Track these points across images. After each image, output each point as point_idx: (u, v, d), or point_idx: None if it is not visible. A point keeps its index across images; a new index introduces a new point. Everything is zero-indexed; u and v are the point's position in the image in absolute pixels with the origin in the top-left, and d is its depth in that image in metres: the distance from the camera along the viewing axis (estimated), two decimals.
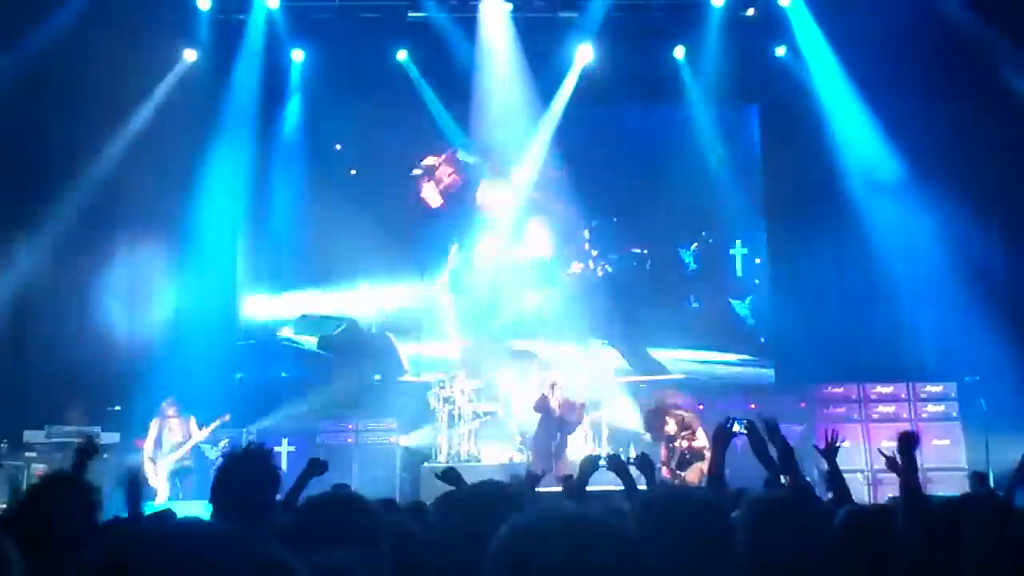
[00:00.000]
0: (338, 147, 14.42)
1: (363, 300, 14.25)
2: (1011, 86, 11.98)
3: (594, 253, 14.86)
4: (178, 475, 10.99)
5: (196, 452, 11.30)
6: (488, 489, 2.96)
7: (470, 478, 3.87)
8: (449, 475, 5.10)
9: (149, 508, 6.18)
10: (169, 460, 10.95)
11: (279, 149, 14.13)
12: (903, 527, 3.57)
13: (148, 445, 11.01)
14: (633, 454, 11.13)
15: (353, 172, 14.43)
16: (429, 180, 14.62)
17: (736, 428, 4.40)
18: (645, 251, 14.75)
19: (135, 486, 4.75)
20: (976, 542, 2.96)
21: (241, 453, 3.50)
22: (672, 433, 9.97)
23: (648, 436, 10.47)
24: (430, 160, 14.59)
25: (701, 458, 9.72)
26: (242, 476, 3.32)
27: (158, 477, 10.84)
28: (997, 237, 12.38)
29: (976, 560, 2.95)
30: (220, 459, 3.54)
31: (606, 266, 14.76)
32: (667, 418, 10.07)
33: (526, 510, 1.52)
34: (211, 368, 12.69)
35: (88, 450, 4.66)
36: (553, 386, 11.13)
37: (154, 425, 11.09)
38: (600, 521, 1.45)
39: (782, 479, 4.49)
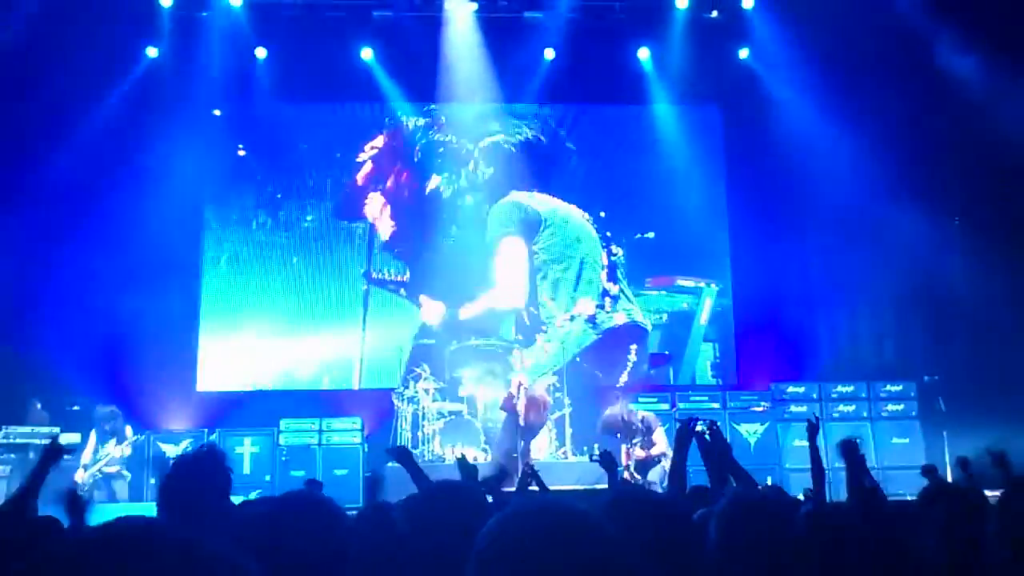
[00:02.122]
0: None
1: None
2: (972, 94, 12.14)
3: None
4: (108, 480, 10.89)
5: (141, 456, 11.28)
6: (451, 490, 2.96)
7: (434, 478, 3.87)
8: (399, 453, 5.07)
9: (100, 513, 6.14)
10: (94, 469, 10.84)
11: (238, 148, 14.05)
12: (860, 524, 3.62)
13: (86, 454, 10.91)
14: (596, 451, 11.23)
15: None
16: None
17: (699, 427, 4.45)
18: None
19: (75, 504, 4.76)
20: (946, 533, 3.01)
21: (192, 456, 3.47)
22: (632, 430, 10.07)
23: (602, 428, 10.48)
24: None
25: (658, 462, 9.86)
26: (192, 479, 3.29)
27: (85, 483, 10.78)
28: (955, 240, 12.55)
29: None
30: (171, 461, 3.52)
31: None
32: (628, 417, 10.17)
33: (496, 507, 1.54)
34: (169, 372, 12.66)
35: (54, 453, 4.55)
36: (520, 387, 11.12)
37: (93, 434, 11.01)
38: (587, 515, 1.47)
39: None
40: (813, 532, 3.05)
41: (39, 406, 11.33)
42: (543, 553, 1.40)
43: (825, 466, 5.05)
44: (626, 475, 9.54)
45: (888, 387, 12.45)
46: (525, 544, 1.41)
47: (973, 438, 10.29)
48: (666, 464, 9.65)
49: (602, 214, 14.03)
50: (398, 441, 12.01)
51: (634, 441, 10.05)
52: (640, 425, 10.21)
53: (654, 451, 10.00)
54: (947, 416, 11.85)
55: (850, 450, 4.65)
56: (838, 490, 5.22)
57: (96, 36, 12.06)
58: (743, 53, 13.95)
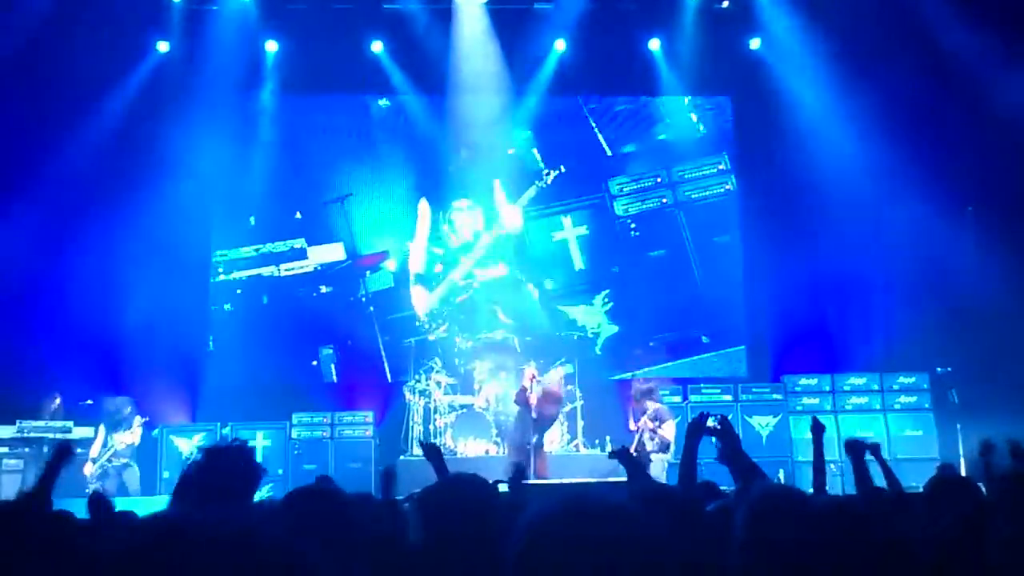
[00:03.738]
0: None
1: None
2: (985, 84, 12.04)
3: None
4: (118, 472, 10.94)
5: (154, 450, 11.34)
6: (466, 485, 2.96)
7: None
8: (430, 450, 5.07)
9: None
10: (102, 460, 10.89)
11: (251, 141, 14.05)
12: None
13: (95, 447, 10.95)
14: (609, 446, 11.23)
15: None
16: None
17: (710, 422, 4.44)
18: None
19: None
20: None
21: (223, 448, 3.50)
22: (645, 421, 10.09)
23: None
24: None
25: (666, 450, 9.85)
26: (224, 470, 3.32)
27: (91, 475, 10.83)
28: (968, 230, 12.49)
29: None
30: (198, 453, 3.54)
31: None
32: (647, 404, 10.20)
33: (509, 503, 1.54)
34: (181, 363, 12.73)
35: (62, 454, 4.59)
36: (533, 379, 11.11)
37: (101, 428, 11.06)
38: (623, 509, 1.46)
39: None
40: (840, 525, 3.04)
41: (57, 400, 11.39)
42: (584, 548, 1.39)
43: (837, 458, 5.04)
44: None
45: (901, 379, 12.39)
46: (566, 540, 1.41)
47: (986, 430, 10.25)
48: (668, 457, 9.71)
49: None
50: (410, 435, 12.03)
51: (652, 424, 10.04)
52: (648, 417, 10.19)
53: (663, 432, 9.97)
54: (960, 408, 11.78)
55: (854, 452, 4.70)
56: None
57: (107, 31, 12.10)
58: (754, 43, 13.89)
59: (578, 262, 14.23)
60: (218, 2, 13.17)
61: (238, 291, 13.91)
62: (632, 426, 10.12)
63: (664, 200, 14.30)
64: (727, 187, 14.33)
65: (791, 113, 13.37)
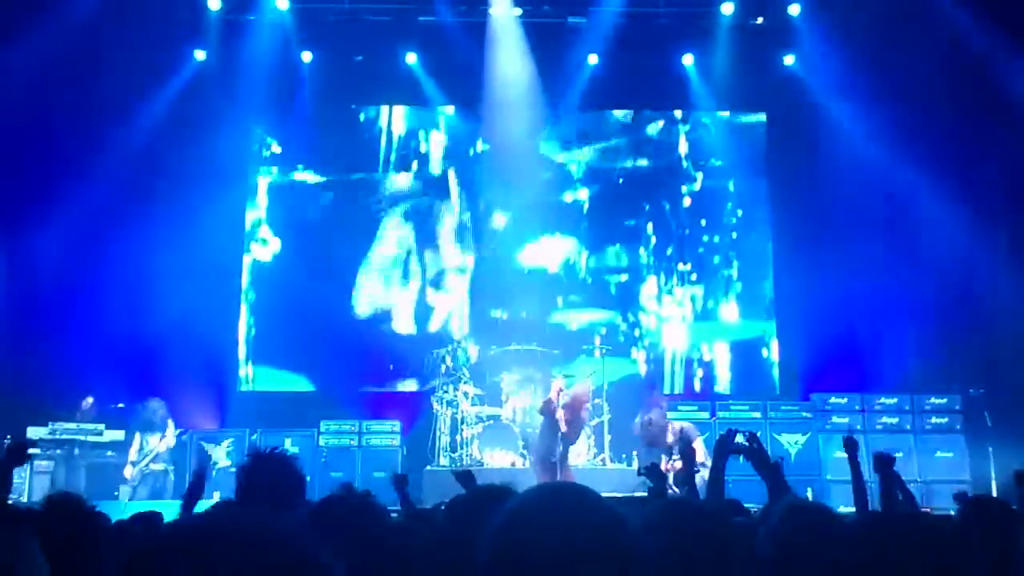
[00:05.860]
0: None
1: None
2: (1020, 101, 11.91)
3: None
4: (155, 477, 11.04)
5: (185, 455, 11.41)
6: (492, 492, 2.97)
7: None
8: (465, 477, 5.11)
9: (132, 508, 6.27)
10: (141, 465, 10.99)
11: (285, 150, 14.22)
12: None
13: (132, 451, 11.07)
14: (635, 460, 11.18)
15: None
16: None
17: (738, 439, 4.45)
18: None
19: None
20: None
21: (268, 455, 3.53)
22: (670, 443, 9.97)
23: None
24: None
25: (697, 472, 9.74)
26: (271, 477, 3.35)
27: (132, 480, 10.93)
28: (1003, 251, 12.35)
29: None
30: (245, 459, 3.58)
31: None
32: (667, 430, 10.09)
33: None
34: (212, 372, 12.84)
35: (17, 452, 4.66)
36: (560, 392, 11.05)
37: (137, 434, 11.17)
38: (596, 501, 1.46)
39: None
40: (871, 539, 3.01)
41: (90, 402, 11.52)
42: (556, 537, 1.39)
43: (867, 478, 4.98)
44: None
45: (932, 400, 12.23)
46: (537, 531, 1.40)
47: (1019, 454, 10.12)
48: (704, 474, 9.55)
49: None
50: (436, 445, 12.02)
51: (674, 457, 9.95)
52: (676, 437, 10.09)
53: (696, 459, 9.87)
54: (993, 431, 11.63)
55: (883, 464, 4.67)
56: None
57: (145, 38, 12.24)
58: (788, 60, 13.84)
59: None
60: (255, 12, 13.32)
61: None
62: (664, 466, 9.93)
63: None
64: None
65: (824, 130, 13.29)
